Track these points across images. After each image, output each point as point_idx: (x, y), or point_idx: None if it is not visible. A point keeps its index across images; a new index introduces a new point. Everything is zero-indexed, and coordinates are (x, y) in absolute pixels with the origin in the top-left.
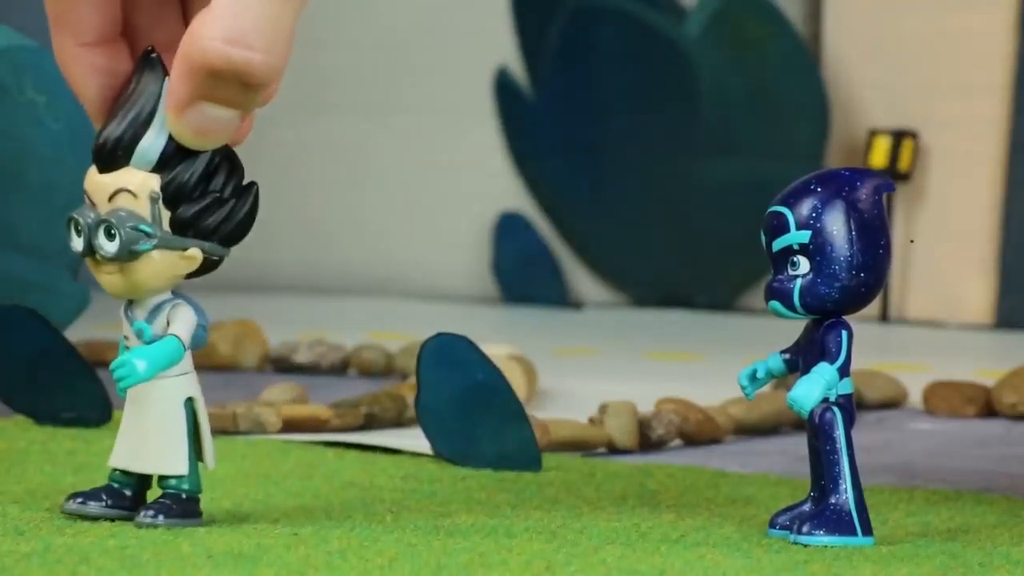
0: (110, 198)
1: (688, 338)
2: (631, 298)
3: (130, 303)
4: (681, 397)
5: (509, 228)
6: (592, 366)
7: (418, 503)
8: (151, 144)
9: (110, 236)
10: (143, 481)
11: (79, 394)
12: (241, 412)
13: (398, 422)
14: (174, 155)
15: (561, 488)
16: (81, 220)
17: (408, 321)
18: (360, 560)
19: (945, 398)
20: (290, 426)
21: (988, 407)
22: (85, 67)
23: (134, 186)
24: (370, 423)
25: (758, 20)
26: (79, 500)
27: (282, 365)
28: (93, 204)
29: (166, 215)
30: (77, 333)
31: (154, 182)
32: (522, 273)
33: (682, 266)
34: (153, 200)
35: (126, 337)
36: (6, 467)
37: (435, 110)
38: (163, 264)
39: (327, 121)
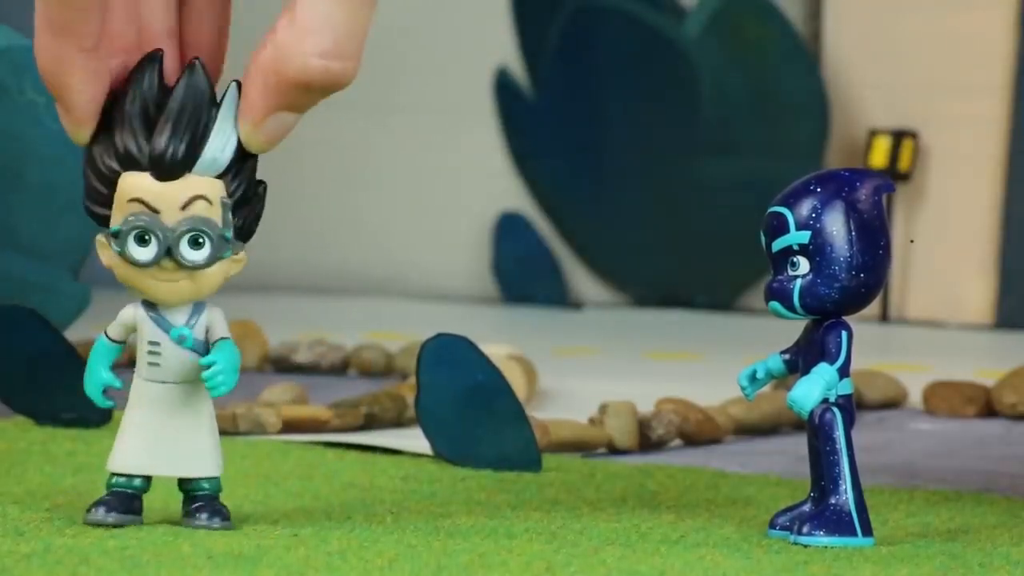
0: (184, 206)
1: (688, 338)
2: (631, 298)
3: (151, 307)
4: (681, 397)
5: (509, 228)
6: (592, 366)
7: (418, 504)
8: (220, 152)
9: (197, 245)
10: (149, 485)
11: (79, 394)
12: (241, 412)
13: (398, 422)
14: (236, 161)
15: (561, 489)
16: (156, 229)
17: (408, 321)
18: (360, 561)
19: (945, 398)
20: (290, 426)
21: (988, 407)
22: (85, 73)
23: (210, 193)
24: (370, 423)
25: (758, 20)
26: (102, 509)
27: (282, 365)
28: (154, 212)
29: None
30: (77, 333)
31: (223, 188)
32: (522, 273)
33: (682, 266)
34: (225, 206)
35: (156, 343)
36: (6, 467)
37: (435, 110)
38: (223, 269)
39: (326, 120)
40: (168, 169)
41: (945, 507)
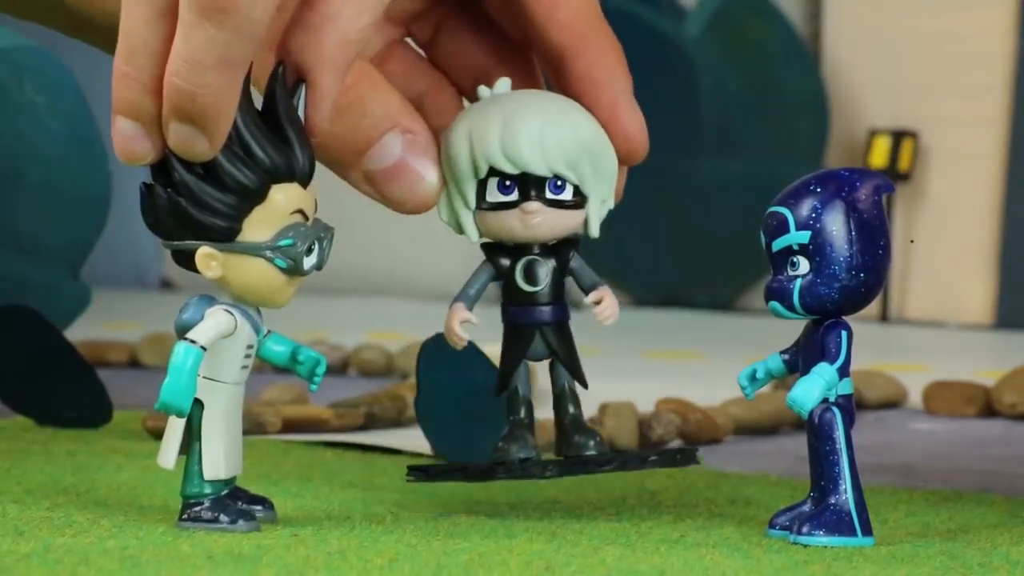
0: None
1: (688, 338)
2: (631, 298)
3: (243, 312)
4: (681, 397)
5: None
6: (592, 366)
7: (418, 503)
8: None
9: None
10: None
11: (79, 394)
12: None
13: (398, 422)
14: None
15: (561, 488)
16: (323, 238)
17: (408, 321)
18: (360, 560)
19: (945, 398)
20: (290, 426)
21: (988, 407)
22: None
23: None
24: (370, 423)
25: (758, 20)
26: (240, 521)
27: None
28: (307, 219)
29: None
30: (77, 333)
31: None
32: None
33: (682, 266)
34: None
35: (251, 346)
36: (6, 467)
37: None
38: None
39: None
40: (310, 177)
41: (945, 507)
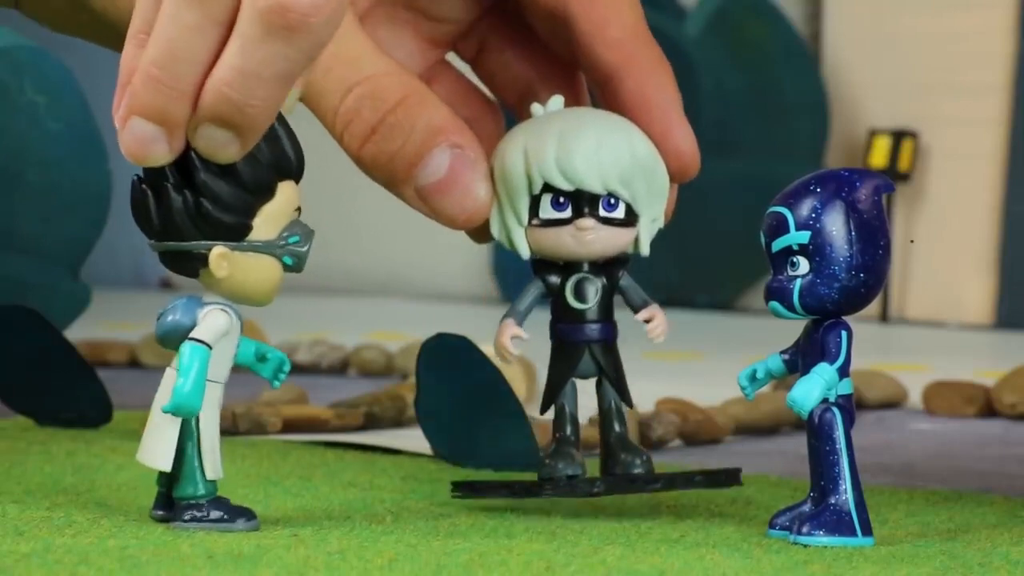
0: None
1: (688, 338)
2: None
3: (237, 313)
4: (681, 397)
5: None
6: None
7: (418, 504)
8: None
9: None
10: None
11: (79, 394)
12: (241, 412)
13: (398, 422)
14: None
15: None
16: (313, 237)
17: (408, 321)
18: (360, 560)
19: (945, 398)
20: (290, 426)
21: (988, 407)
22: None
23: None
24: (370, 423)
25: (758, 20)
26: (241, 520)
27: None
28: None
29: None
30: (77, 333)
31: None
32: (522, 273)
33: (682, 266)
34: None
35: (238, 345)
36: (6, 467)
37: None
38: None
39: None
40: (301, 175)
41: (945, 507)
